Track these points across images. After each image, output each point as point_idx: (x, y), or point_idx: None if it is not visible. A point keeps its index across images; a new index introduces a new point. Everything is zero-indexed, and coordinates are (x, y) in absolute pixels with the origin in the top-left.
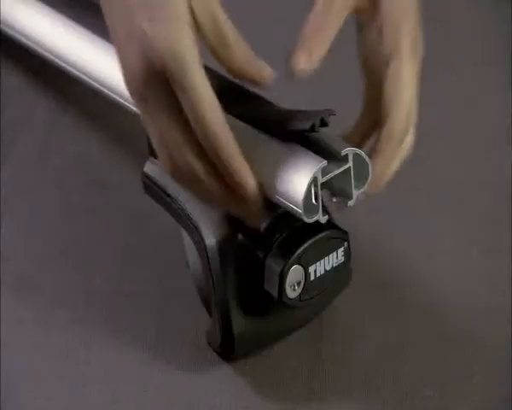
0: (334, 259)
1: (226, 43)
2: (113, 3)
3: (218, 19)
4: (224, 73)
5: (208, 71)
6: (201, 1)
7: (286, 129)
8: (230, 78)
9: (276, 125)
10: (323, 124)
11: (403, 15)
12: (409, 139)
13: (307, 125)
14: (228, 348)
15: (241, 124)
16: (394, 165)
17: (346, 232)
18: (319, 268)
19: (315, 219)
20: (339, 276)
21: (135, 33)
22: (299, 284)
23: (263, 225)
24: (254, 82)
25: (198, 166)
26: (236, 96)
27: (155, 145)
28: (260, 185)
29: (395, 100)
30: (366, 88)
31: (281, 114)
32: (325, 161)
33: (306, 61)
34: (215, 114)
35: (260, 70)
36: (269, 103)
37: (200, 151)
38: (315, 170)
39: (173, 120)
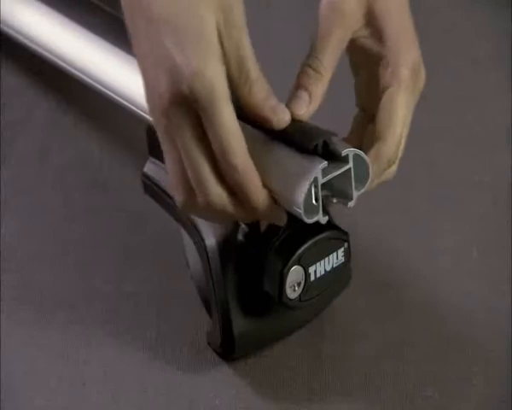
0: (335, 259)
1: (248, 77)
2: (136, 20)
3: (245, 53)
4: None
5: None
6: (232, 33)
7: (289, 145)
8: None
9: (279, 139)
10: (326, 146)
11: (406, 45)
12: (393, 168)
13: (311, 146)
14: (228, 349)
15: (241, 124)
16: (372, 185)
17: (346, 233)
18: (319, 269)
19: (315, 219)
20: (339, 276)
21: (162, 55)
22: (299, 284)
23: (263, 226)
24: (268, 121)
25: (216, 190)
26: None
27: (169, 165)
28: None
29: (389, 127)
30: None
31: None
32: (325, 162)
33: (306, 112)
34: (240, 150)
35: (276, 111)
36: None
37: (219, 176)
38: (315, 171)
39: (195, 143)
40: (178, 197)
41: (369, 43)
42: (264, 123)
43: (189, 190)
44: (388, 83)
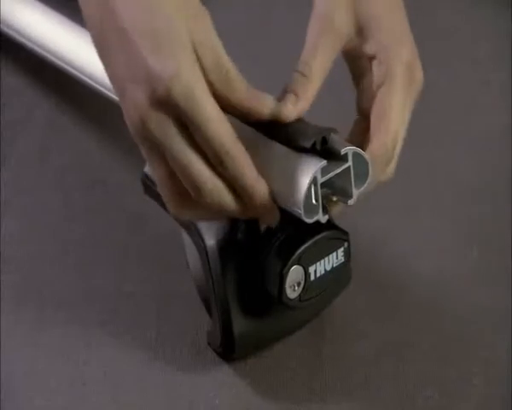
0: (335, 259)
1: (228, 75)
2: (107, 35)
3: (220, 53)
4: None
5: None
6: (203, 34)
7: (287, 144)
8: None
9: (277, 139)
10: (324, 142)
11: (396, 42)
12: (391, 167)
13: (308, 144)
14: (228, 349)
15: (240, 123)
16: (370, 186)
17: (346, 232)
18: (319, 268)
19: (315, 219)
20: (339, 276)
21: (139, 65)
22: (299, 284)
23: (263, 226)
24: (255, 111)
25: (211, 181)
26: None
27: (159, 179)
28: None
29: (382, 123)
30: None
31: (284, 126)
32: (325, 161)
33: (293, 110)
34: (229, 137)
35: (260, 98)
36: None
37: (212, 169)
38: (315, 170)
39: (182, 143)
40: (174, 206)
41: (364, 50)
42: (252, 115)
43: (184, 196)
44: (381, 80)
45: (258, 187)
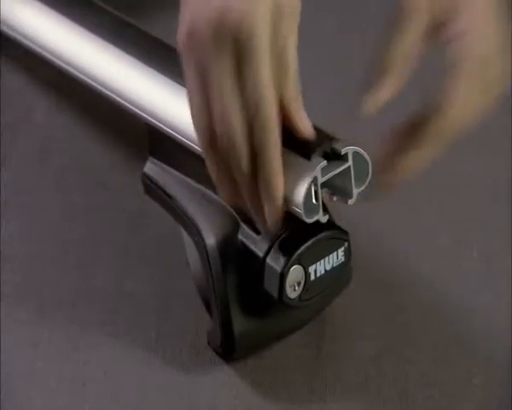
0: (335, 259)
1: (287, 70)
2: None
3: (293, 27)
4: None
5: None
6: (282, 26)
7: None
8: None
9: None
10: (326, 155)
11: (475, 30)
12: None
13: (308, 156)
14: (228, 348)
15: None
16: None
17: (346, 232)
18: (319, 268)
19: (315, 218)
20: (339, 276)
21: None
22: (299, 284)
23: (265, 226)
24: (293, 120)
25: (239, 129)
26: None
27: (192, 114)
28: None
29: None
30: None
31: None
32: (325, 161)
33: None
34: (271, 108)
35: (302, 116)
36: None
37: (243, 123)
38: (315, 170)
39: (228, 76)
40: (201, 139)
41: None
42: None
43: (211, 131)
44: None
45: (278, 169)
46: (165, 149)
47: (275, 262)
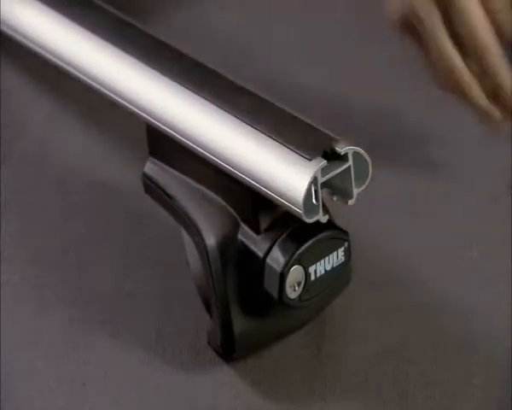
0: (335, 259)
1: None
2: None
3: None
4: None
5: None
6: None
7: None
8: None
9: (277, 139)
10: (326, 155)
11: None
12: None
13: (308, 156)
14: (228, 348)
15: (240, 122)
16: None
17: (346, 232)
18: (319, 268)
19: (315, 219)
20: (339, 276)
21: None
22: (299, 284)
23: (263, 226)
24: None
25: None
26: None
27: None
28: (260, 186)
29: None
30: None
31: (287, 131)
32: (325, 161)
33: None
34: (486, 32)
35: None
36: (276, 111)
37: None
38: (315, 170)
39: (442, 36)
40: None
41: None
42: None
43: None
44: None
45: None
46: (165, 149)
47: (275, 262)
